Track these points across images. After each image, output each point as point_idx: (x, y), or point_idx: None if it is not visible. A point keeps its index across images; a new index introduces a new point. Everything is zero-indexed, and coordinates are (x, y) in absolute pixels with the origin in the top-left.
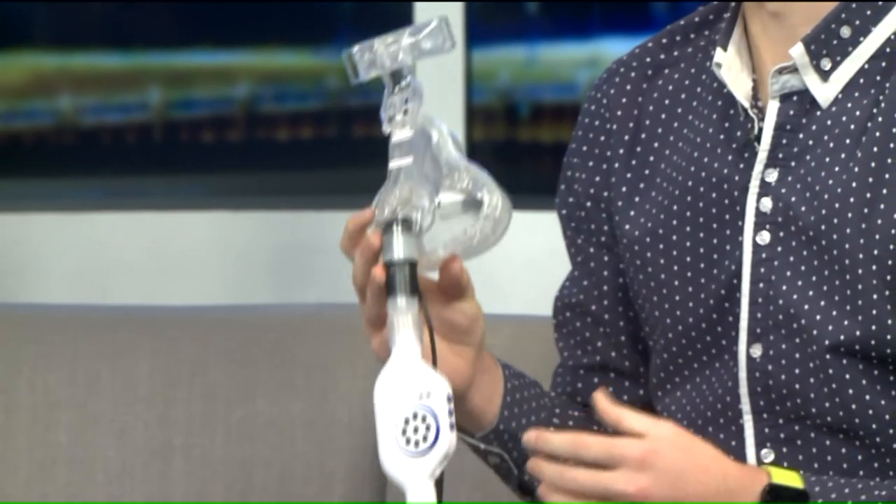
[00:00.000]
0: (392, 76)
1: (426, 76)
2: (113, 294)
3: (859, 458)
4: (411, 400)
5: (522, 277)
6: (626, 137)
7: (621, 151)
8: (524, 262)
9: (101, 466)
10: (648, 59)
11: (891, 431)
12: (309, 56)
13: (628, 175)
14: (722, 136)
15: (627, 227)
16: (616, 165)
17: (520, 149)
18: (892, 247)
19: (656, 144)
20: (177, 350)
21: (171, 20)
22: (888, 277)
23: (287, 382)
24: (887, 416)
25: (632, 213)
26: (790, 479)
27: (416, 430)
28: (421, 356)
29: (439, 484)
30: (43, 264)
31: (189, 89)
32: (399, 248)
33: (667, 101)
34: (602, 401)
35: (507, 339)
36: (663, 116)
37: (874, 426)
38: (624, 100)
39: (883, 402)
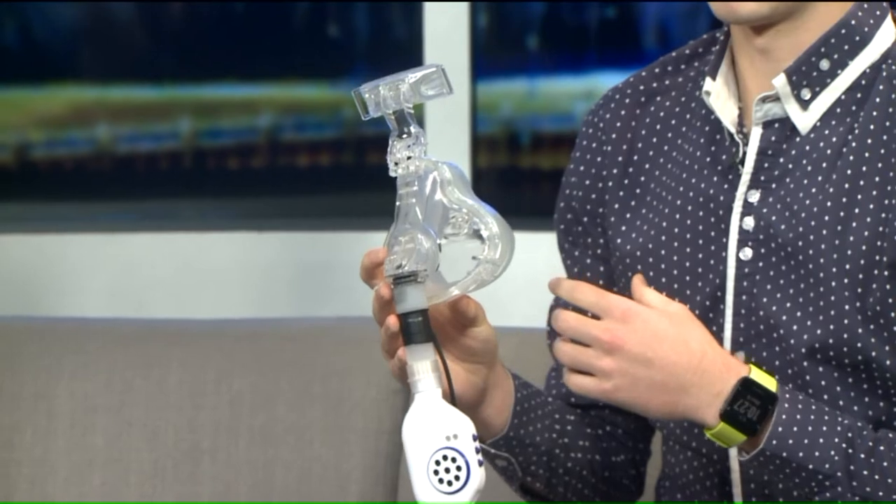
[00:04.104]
0: (396, 119)
1: (436, 107)
2: (146, 308)
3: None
4: (439, 442)
5: (524, 293)
6: (620, 159)
7: (615, 171)
8: (526, 279)
9: (134, 467)
10: (642, 87)
11: None
12: (327, 89)
13: (621, 193)
14: (708, 160)
15: (620, 241)
16: (610, 184)
17: (521, 175)
18: (862, 262)
19: (648, 166)
20: (205, 360)
21: (200, 56)
22: (858, 290)
23: (306, 390)
24: (860, 421)
25: (624, 228)
26: (767, 381)
27: (447, 470)
28: (442, 398)
29: None
30: (82, 281)
31: (216, 119)
32: (409, 301)
33: (658, 126)
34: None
35: (510, 351)
36: (655, 140)
37: None
38: (619, 124)
39: (855, 408)
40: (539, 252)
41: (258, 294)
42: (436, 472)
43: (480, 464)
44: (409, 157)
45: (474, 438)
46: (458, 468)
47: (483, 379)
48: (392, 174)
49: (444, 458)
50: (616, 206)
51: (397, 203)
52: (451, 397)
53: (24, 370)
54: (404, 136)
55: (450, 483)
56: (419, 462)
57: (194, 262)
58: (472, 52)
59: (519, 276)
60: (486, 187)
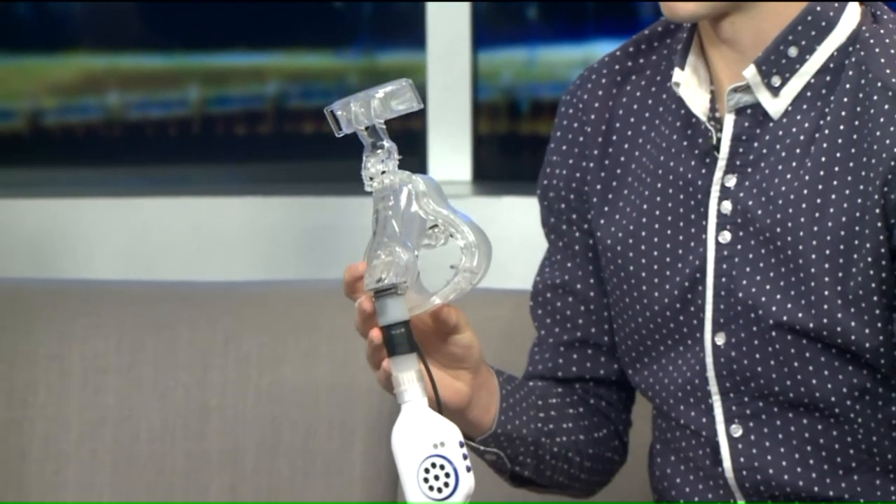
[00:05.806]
0: (369, 134)
1: (438, 76)
2: (156, 271)
3: (819, 427)
4: (427, 450)
5: (521, 256)
6: (600, 139)
7: (595, 152)
8: (523, 242)
9: (144, 425)
10: (617, 67)
11: (847, 402)
12: (332, 57)
13: (602, 174)
14: (685, 143)
15: (602, 222)
16: (591, 164)
17: (521, 141)
18: (841, 247)
19: (626, 146)
20: (213, 321)
21: (208, 25)
22: (839, 274)
23: (312, 350)
24: (844, 389)
25: (606, 209)
26: None
27: (436, 477)
28: (428, 406)
29: None
30: (94, 244)
31: (224, 87)
32: (391, 313)
33: (635, 107)
34: None
35: (508, 312)
36: (632, 121)
37: (832, 399)
38: (596, 104)
39: (840, 377)
40: (537, 215)
41: (265, 257)
42: (426, 480)
43: (468, 469)
44: (383, 172)
45: (461, 445)
46: (447, 475)
47: (468, 383)
48: (367, 189)
49: (433, 465)
50: (597, 186)
51: (374, 217)
52: (438, 405)
53: (37, 331)
54: (378, 150)
55: (440, 490)
56: (409, 470)
57: (203, 226)
58: (474, 21)
59: (516, 239)
60: (487, 153)
